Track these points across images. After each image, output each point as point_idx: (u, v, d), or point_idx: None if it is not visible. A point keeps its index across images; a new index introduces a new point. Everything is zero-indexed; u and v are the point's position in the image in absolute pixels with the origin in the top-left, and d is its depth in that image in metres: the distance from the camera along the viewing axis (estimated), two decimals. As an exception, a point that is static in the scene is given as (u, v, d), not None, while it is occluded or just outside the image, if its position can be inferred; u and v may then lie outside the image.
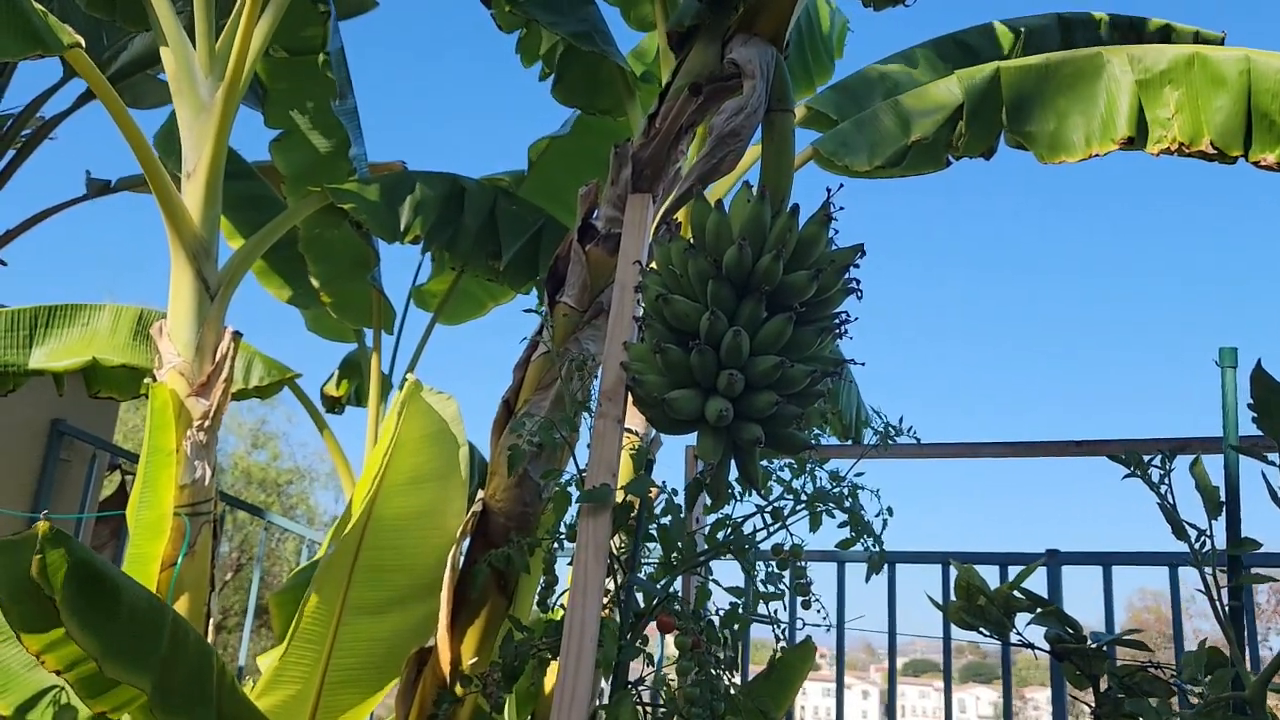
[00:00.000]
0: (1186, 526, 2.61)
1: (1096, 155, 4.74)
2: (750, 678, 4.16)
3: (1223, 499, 2.70)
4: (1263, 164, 4.43)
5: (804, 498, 2.47)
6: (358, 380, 8.14)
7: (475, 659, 3.08)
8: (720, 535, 2.51)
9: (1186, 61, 4.61)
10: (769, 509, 2.48)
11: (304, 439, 31.44)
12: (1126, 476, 2.64)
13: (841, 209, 2.36)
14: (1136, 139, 4.64)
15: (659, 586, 2.43)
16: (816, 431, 2.62)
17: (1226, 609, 2.58)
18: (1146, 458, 2.62)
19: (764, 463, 2.49)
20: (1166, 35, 5.98)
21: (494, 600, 3.10)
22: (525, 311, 3.06)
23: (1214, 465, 2.87)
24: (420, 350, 7.87)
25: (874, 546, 2.52)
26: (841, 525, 2.51)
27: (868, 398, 7.48)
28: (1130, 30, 6.03)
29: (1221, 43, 5.91)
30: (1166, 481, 2.61)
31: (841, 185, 2.36)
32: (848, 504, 2.49)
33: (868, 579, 2.70)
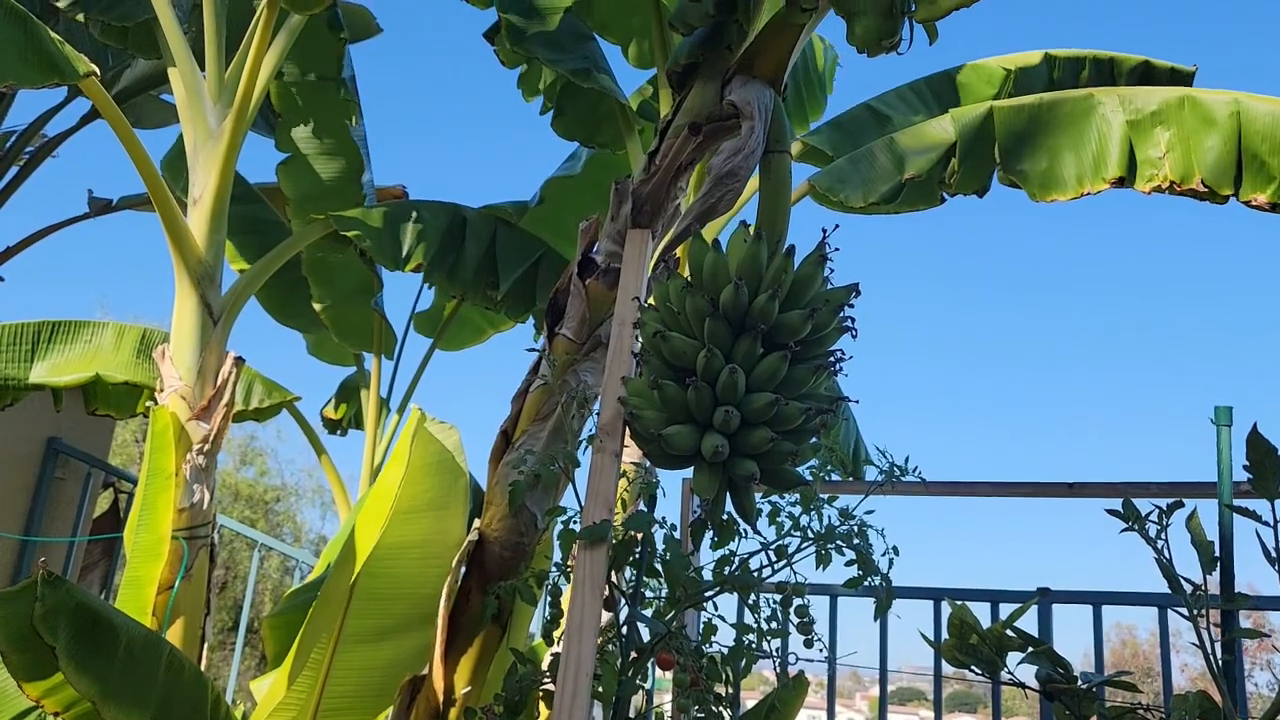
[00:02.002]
0: (1182, 581, 2.65)
1: (1088, 194, 4.81)
2: (739, 707, 4.16)
3: (1217, 554, 2.74)
4: (1254, 204, 4.51)
5: (811, 535, 2.50)
6: (355, 404, 8.17)
7: (468, 688, 3.09)
8: (724, 571, 2.54)
9: (1177, 103, 4.70)
10: (773, 546, 2.50)
11: (291, 456, 31.39)
12: (1124, 530, 2.68)
13: (837, 250, 2.41)
14: (1127, 178, 4.71)
15: (661, 623, 2.45)
16: (830, 468, 2.66)
17: (1220, 663, 2.61)
18: (1144, 511, 2.65)
19: (774, 498, 2.52)
20: (1147, 70, 6.14)
21: (488, 630, 3.12)
22: (527, 350, 3.10)
23: (1206, 509, 2.92)
24: (419, 375, 7.90)
25: (881, 585, 2.55)
26: (849, 563, 2.54)
27: (863, 423, 7.53)
28: (1110, 66, 6.17)
29: (1191, 76, 6.08)
30: (1163, 536, 2.65)
31: (837, 226, 2.41)
32: (856, 542, 2.52)
33: (876, 618, 2.73)
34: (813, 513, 2.52)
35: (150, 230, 4.46)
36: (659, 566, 2.49)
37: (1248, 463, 2.62)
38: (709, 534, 2.45)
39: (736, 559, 2.50)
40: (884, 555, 2.56)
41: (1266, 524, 2.57)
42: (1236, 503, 2.92)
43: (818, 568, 2.52)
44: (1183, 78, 6.08)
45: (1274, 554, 2.55)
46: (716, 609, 2.59)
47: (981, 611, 3.77)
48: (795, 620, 2.53)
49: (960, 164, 5.01)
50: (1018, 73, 6.13)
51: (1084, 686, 2.72)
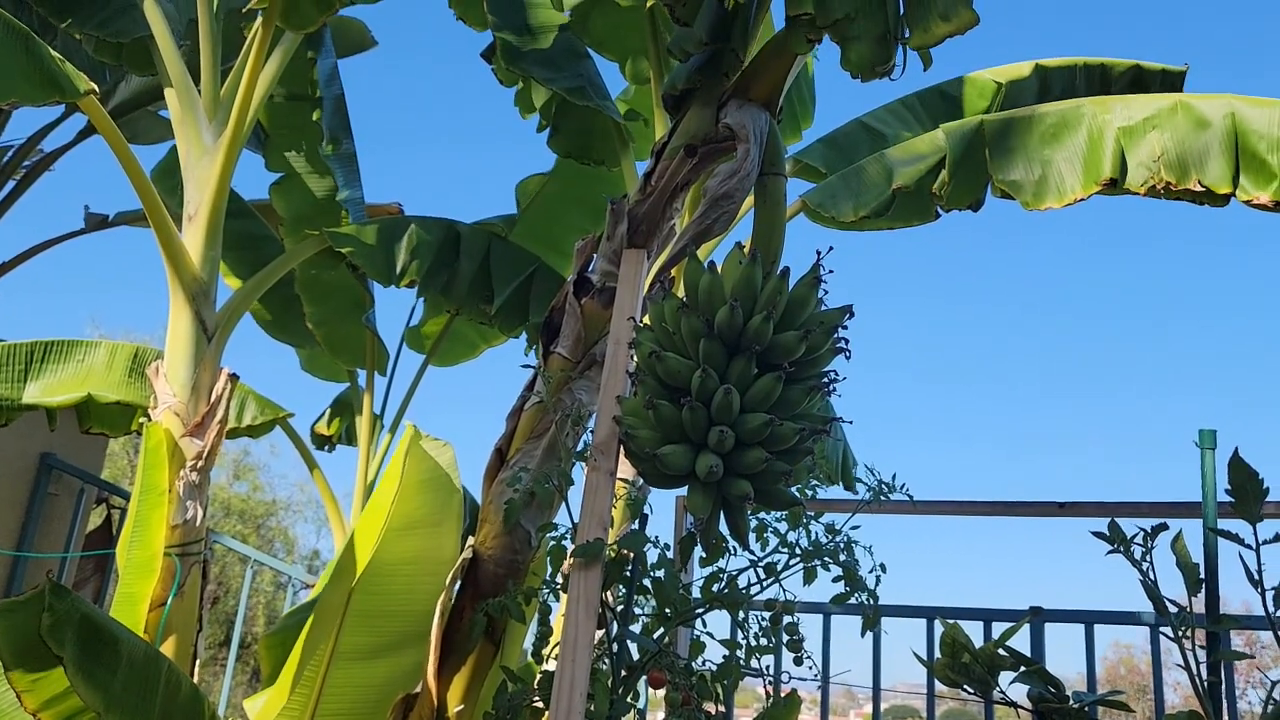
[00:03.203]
0: (1168, 603, 2.68)
1: (1081, 199, 4.77)
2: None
3: (1202, 575, 2.77)
4: (1255, 203, 4.41)
5: (799, 551, 2.52)
6: (348, 419, 8.16)
7: (462, 706, 3.09)
8: (714, 588, 2.55)
9: (1170, 108, 4.65)
10: (762, 563, 2.52)
11: (285, 471, 31.32)
12: (1110, 553, 2.71)
13: (831, 271, 2.44)
14: (1121, 180, 4.64)
15: (652, 640, 2.45)
16: (815, 484, 2.68)
17: (1205, 683, 2.63)
18: (1130, 533, 2.68)
19: (760, 515, 2.54)
20: (1138, 74, 6.15)
21: (482, 647, 3.12)
22: (521, 366, 3.11)
23: (1193, 530, 2.94)
24: (412, 391, 7.91)
25: (868, 601, 2.56)
26: (836, 580, 2.56)
27: (855, 440, 7.54)
28: (1101, 72, 6.19)
29: (1183, 76, 6.08)
30: (1149, 558, 2.68)
31: (831, 248, 2.44)
32: (842, 558, 2.53)
33: (863, 634, 2.74)
34: (800, 529, 2.54)
35: (143, 245, 4.48)
36: (648, 584, 2.50)
37: (1230, 487, 2.66)
38: (698, 550, 2.46)
39: (725, 576, 2.52)
40: (871, 572, 2.58)
41: (1249, 546, 2.60)
42: (1221, 524, 2.94)
43: (805, 584, 2.53)
44: (1174, 78, 6.09)
45: (1256, 576, 2.58)
46: (705, 626, 2.61)
47: (974, 630, 3.78)
48: (785, 638, 2.55)
49: (951, 175, 4.97)
50: (1009, 85, 6.15)
51: (1076, 706, 2.73)
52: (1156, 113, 4.67)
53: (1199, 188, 4.49)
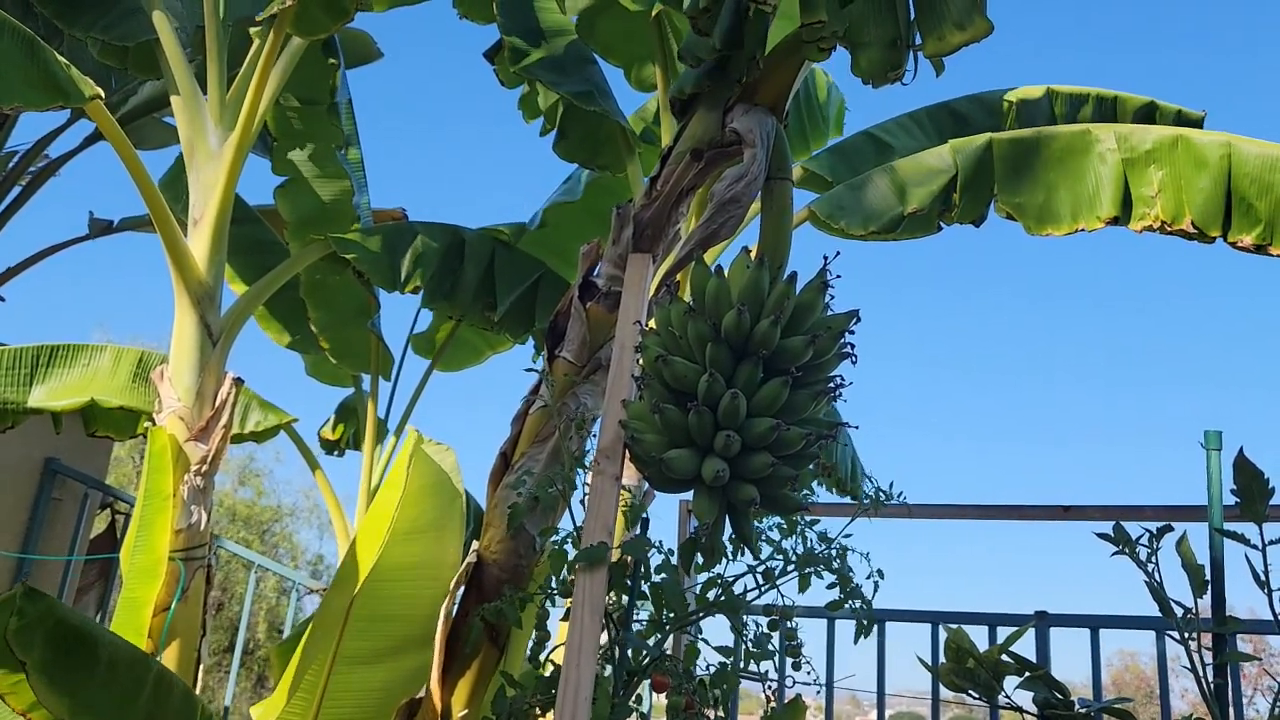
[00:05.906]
0: (1173, 605, 2.67)
1: (1083, 230, 4.83)
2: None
3: (1208, 577, 2.76)
4: (1239, 245, 4.52)
5: (793, 559, 2.51)
6: (354, 425, 8.15)
7: (466, 711, 3.09)
8: (711, 594, 2.55)
9: (1170, 143, 4.72)
10: (760, 569, 2.51)
11: (289, 477, 31.29)
12: (1115, 554, 2.70)
13: (839, 276, 2.44)
14: (1121, 217, 4.73)
15: (651, 645, 2.45)
16: (812, 490, 2.68)
17: (1212, 686, 2.62)
18: (1135, 535, 2.68)
19: (755, 522, 2.53)
20: (1150, 113, 6.09)
21: (486, 652, 3.12)
22: (526, 370, 3.11)
23: (1198, 533, 2.93)
24: (417, 396, 7.90)
25: (861, 608, 2.56)
26: (830, 586, 2.55)
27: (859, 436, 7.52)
28: (1115, 105, 6.14)
29: (1202, 121, 6.01)
30: (1154, 560, 2.68)
31: (839, 253, 2.43)
32: (835, 565, 2.53)
33: (855, 641, 2.73)
34: (795, 536, 2.54)
35: (148, 251, 4.48)
36: (646, 589, 2.50)
37: (1235, 487, 2.65)
38: (699, 555, 2.46)
39: (722, 581, 2.52)
40: (868, 578, 2.58)
41: (1255, 547, 2.60)
42: (1227, 526, 2.94)
43: (800, 592, 2.54)
44: (1190, 122, 5.97)
45: (1262, 577, 2.57)
46: (700, 632, 2.60)
47: (979, 635, 3.78)
48: (786, 643, 2.55)
49: (960, 196, 5.04)
50: (1019, 107, 6.12)
51: (1082, 711, 2.72)
52: (1158, 146, 4.75)
53: (1192, 229, 4.60)
